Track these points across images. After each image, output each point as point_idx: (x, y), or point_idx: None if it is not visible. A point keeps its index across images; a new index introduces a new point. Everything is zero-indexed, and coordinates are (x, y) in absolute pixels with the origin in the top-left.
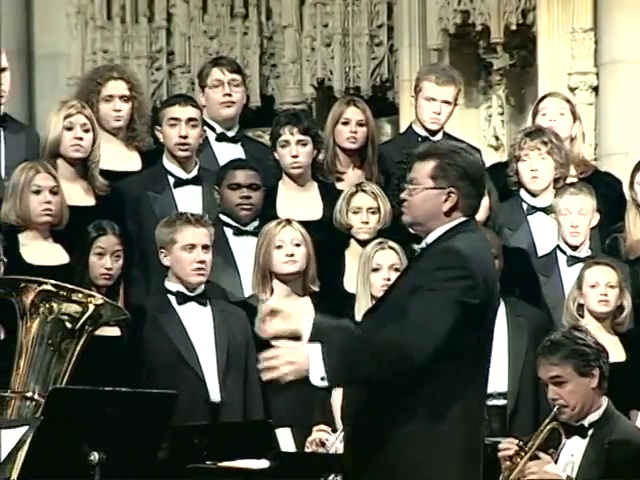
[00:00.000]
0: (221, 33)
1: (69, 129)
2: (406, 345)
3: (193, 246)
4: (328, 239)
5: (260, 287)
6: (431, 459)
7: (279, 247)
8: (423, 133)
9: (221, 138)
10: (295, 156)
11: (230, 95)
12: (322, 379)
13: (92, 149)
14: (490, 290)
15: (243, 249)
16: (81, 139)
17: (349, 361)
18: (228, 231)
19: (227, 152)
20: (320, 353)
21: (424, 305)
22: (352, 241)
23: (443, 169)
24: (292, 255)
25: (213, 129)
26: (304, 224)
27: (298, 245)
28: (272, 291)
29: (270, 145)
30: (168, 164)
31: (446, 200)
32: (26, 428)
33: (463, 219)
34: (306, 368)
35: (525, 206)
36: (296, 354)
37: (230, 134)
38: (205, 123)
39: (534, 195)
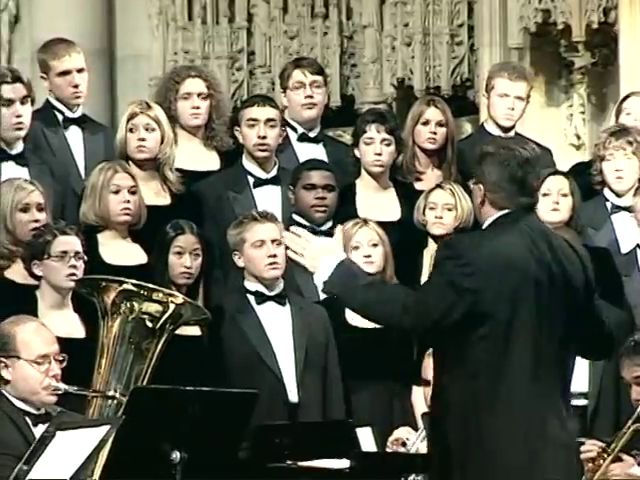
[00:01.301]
0: (301, 33)
1: (132, 130)
2: (403, 306)
3: (263, 242)
4: (406, 240)
5: None
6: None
7: (356, 248)
8: (496, 132)
9: (303, 138)
10: (379, 154)
11: (312, 97)
12: (324, 283)
13: (160, 148)
14: (502, 275)
15: None
16: (144, 139)
17: (351, 285)
18: None
19: (309, 152)
20: (335, 264)
21: (423, 287)
22: (430, 241)
23: (477, 166)
24: (369, 256)
25: (295, 129)
26: (381, 224)
27: (375, 245)
28: None
29: (351, 142)
30: (248, 164)
31: (478, 196)
32: (108, 427)
33: (501, 213)
34: (315, 267)
35: (609, 205)
36: (314, 252)
37: (312, 134)
38: (286, 123)
39: (618, 195)
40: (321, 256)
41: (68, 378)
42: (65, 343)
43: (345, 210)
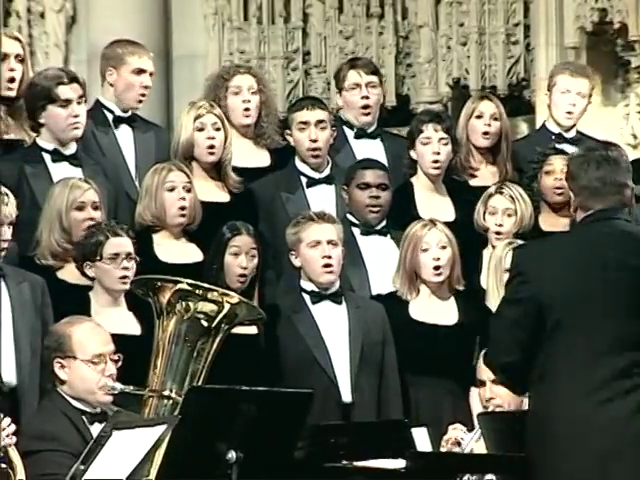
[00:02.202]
0: (357, 33)
1: (200, 130)
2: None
3: (318, 242)
4: (464, 240)
5: (405, 288)
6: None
7: (425, 250)
8: (557, 130)
9: (360, 135)
10: (437, 153)
11: (367, 97)
12: None
13: (224, 147)
14: (564, 277)
15: (371, 248)
16: (213, 138)
17: None
18: (356, 230)
19: (366, 148)
20: None
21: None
22: (490, 241)
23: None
24: (438, 259)
25: (351, 127)
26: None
27: (444, 248)
28: (418, 292)
29: (407, 145)
30: (300, 164)
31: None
32: (164, 427)
33: (582, 215)
34: None
35: None
36: None
37: (369, 130)
38: (342, 122)
39: None
40: None
41: (123, 374)
42: (120, 340)
43: (404, 209)
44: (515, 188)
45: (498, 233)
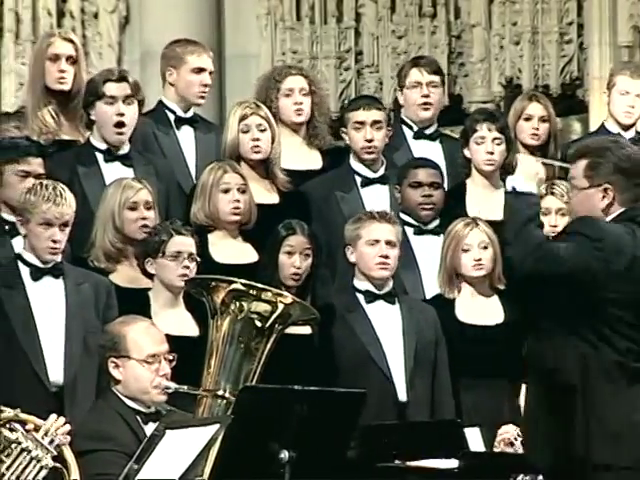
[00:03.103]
0: (409, 32)
1: (245, 132)
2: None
3: (377, 241)
4: None
5: (447, 287)
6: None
7: (466, 250)
8: (616, 130)
9: (419, 136)
10: (490, 152)
11: (428, 96)
12: None
13: (271, 147)
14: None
15: (424, 248)
16: (258, 140)
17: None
18: (408, 230)
19: (425, 149)
20: None
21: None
22: None
23: (594, 167)
24: (479, 259)
25: (410, 127)
26: (491, 223)
27: (485, 248)
28: (459, 291)
29: (461, 143)
30: (355, 164)
31: (603, 197)
32: (217, 426)
33: (621, 210)
34: None
35: None
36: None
37: (428, 131)
38: (402, 121)
39: None
40: None
41: (181, 376)
42: (178, 341)
43: (455, 208)
44: (565, 186)
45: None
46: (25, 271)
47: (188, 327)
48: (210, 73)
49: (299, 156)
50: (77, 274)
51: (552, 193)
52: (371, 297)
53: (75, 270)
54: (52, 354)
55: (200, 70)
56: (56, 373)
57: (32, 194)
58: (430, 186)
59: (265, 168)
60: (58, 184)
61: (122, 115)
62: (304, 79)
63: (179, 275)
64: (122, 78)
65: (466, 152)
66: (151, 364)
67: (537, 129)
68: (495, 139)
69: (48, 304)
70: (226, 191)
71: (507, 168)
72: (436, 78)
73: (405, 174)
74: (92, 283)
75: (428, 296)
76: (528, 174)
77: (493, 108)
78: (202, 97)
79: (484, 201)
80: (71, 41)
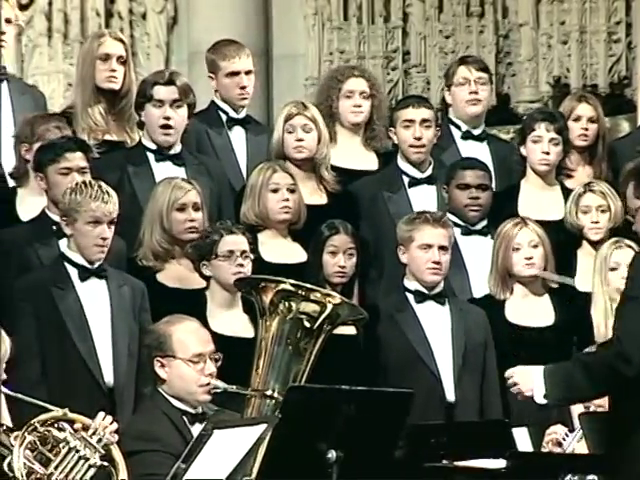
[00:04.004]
0: (457, 32)
1: (290, 132)
2: (618, 354)
3: (430, 246)
4: (564, 240)
5: (499, 288)
6: None
7: (517, 250)
8: None
9: (467, 136)
10: (546, 152)
11: (476, 93)
12: (545, 397)
13: (317, 148)
14: None
15: (471, 248)
16: (301, 140)
17: (566, 382)
18: (456, 230)
19: (472, 150)
20: (542, 375)
21: (629, 313)
22: (583, 240)
23: None
24: (530, 258)
25: (459, 127)
26: (544, 223)
27: (536, 247)
28: (512, 292)
29: (517, 141)
30: (403, 164)
31: None
32: (264, 426)
33: None
34: (530, 390)
35: None
36: (523, 377)
37: (476, 132)
38: (450, 121)
39: None
40: (527, 376)
41: (234, 377)
42: (232, 342)
43: (506, 208)
44: (603, 184)
45: (596, 233)
46: (73, 271)
47: (243, 328)
48: (247, 73)
49: (356, 156)
50: (118, 276)
51: (591, 191)
52: (421, 297)
53: (115, 272)
54: (104, 354)
55: (234, 73)
56: (108, 373)
57: (77, 194)
58: (477, 188)
59: (312, 168)
60: (101, 183)
61: (168, 119)
62: (366, 82)
63: (233, 274)
64: (170, 82)
65: (522, 150)
66: (196, 363)
67: (586, 130)
68: (552, 139)
69: (95, 305)
70: (275, 190)
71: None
72: (484, 75)
73: (453, 175)
74: (130, 285)
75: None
76: None
77: (556, 110)
78: (243, 99)
79: (539, 201)
80: (121, 41)
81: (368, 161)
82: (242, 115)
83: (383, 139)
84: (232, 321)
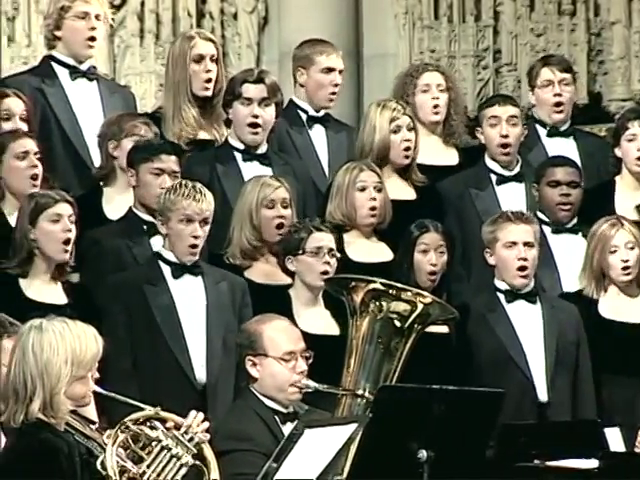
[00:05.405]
0: (548, 30)
1: (396, 132)
2: None
3: (514, 243)
4: None
5: (593, 287)
6: None
7: (613, 252)
8: None
9: (552, 133)
10: None
11: (560, 95)
12: None
13: (415, 146)
14: None
15: (562, 246)
16: (409, 140)
17: None
18: (546, 228)
19: (559, 146)
20: None
21: None
22: None
23: None
24: (627, 261)
25: (544, 125)
26: (638, 224)
27: (632, 248)
28: (606, 291)
29: (612, 142)
30: (490, 162)
31: None
32: (355, 425)
33: None
34: None
35: None
36: None
37: (562, 128)
38: (535, 120)
39: None
40: None
41: (323, 375)
42: (321, 340)
43: (599, 206)
44: None
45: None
46: (166, 269)
47: (329, 326)
48: (340, 72)
49: (436, 152)
50: (215, 273)
51: None
52: (512, 297)
53: (212, 269)
54: (196, 352)
55: (329, 70)
56: (200, 371)
57: (171, 193)
58: (568, 185)
59: (404, 167)
60: (196, 183)
61: (256, 117)
62: (441, 75)
63: (320, 272)
64: (259, 80)
65: (617, 151)
66: (288, 362)
67: None
68: None
69: (189, 302)
70: (362, 189)
71: None
72: (567, 76)
73: (543, 172)
74: (229, 282)
75: None
76: None
77: None
78: (332, 99)
79: (634, 201)
80: (212, 41)
81: (448, 156)
82: (322, 113)
83: (462, 134)
84: (317, 319)
